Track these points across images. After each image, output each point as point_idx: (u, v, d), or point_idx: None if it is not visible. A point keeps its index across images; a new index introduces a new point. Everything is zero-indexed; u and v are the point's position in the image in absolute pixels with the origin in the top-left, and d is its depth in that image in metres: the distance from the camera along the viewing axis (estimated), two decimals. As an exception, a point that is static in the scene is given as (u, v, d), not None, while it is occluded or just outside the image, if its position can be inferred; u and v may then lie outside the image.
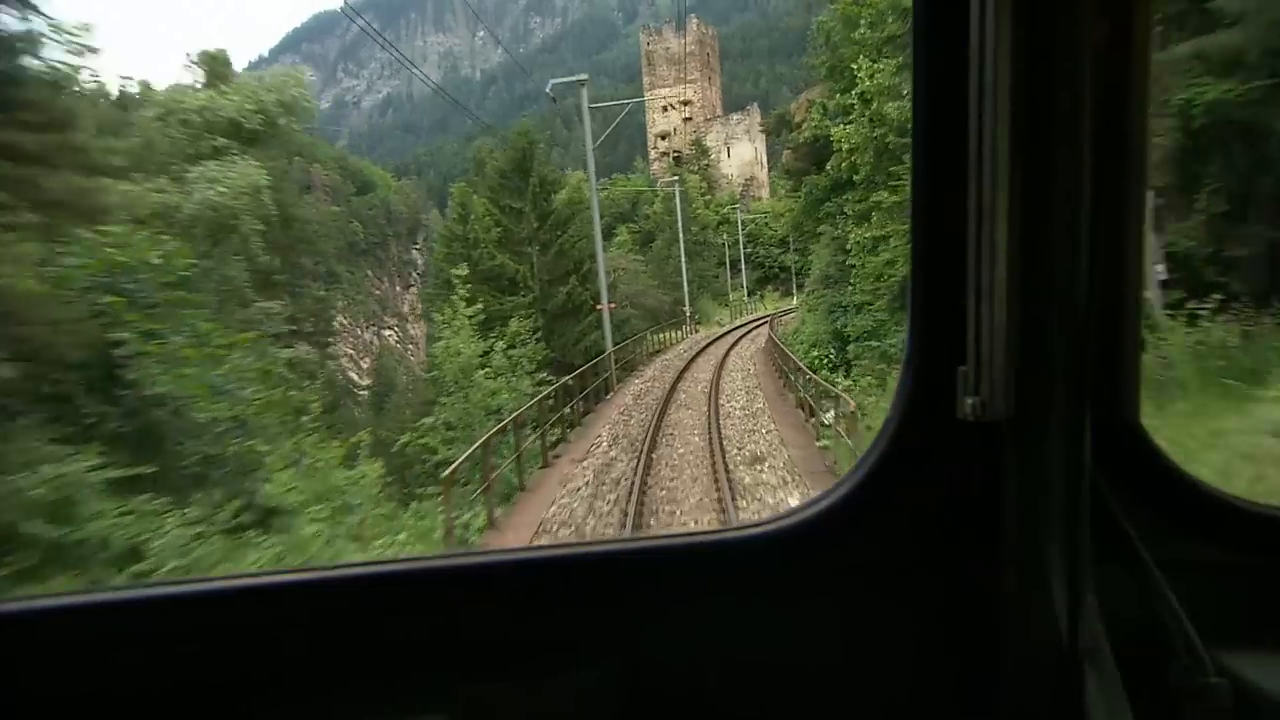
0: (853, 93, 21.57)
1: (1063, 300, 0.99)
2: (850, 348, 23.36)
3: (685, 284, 43.87)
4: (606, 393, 22.16)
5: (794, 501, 9.45)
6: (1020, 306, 0.96)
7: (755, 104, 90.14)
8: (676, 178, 48.95)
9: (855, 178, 22.23)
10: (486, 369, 19.21)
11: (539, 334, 30.52)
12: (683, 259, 43.70)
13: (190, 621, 1.09)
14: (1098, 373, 1.02)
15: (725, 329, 45.49)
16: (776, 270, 77.58)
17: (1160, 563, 1.03)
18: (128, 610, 1.11)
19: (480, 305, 22.26)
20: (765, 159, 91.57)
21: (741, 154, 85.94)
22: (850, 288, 24.11)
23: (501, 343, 20.96)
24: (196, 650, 1.07)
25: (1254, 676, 1.01)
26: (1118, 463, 1.07)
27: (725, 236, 71.81)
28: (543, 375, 27.64)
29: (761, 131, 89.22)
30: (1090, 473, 1.02)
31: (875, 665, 1.17)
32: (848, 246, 23.74)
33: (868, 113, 20.10)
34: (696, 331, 44.05)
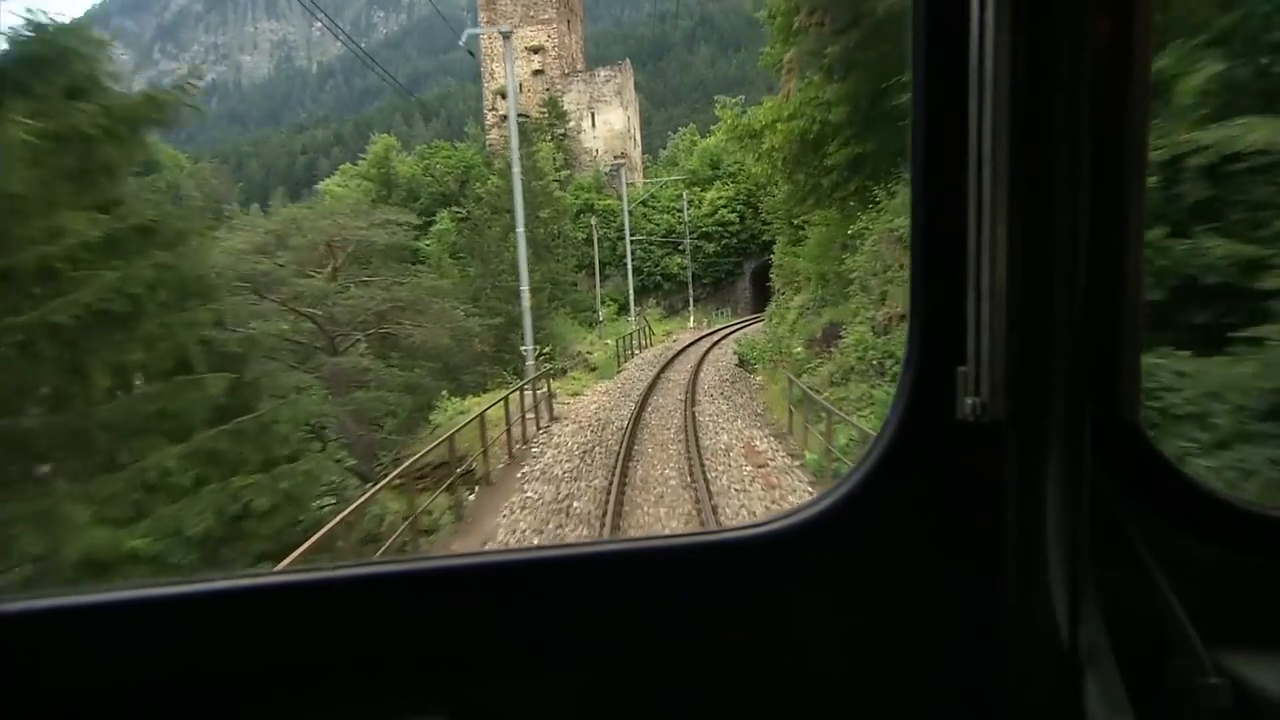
0: None
1: (1063, 300, 0.98)
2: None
3: (526, 297, 18.31)
4: None
5: None
6: (1020, 306, 0.96)
7: (627, 60, 67.15)
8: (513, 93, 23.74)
9: None
10: None
11: None
12: (521, 248, 18.33)
13: (188, 622, 1.05)
14: (1098, 373, 1.01)
15: (627, 394, 20.09)
16: (659, 279, 54.47)
17: (1160, 563, 1.02)
18: (127, 610, 1.06)
19: None
20: (639, 134, 68.64)
21: (611, 122, 62.83)
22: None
23: None
24: (194, 650, 1.04)
25: (1254, 676, 0.99)
26: (1118, 463, 1.05)
27: (593, 227, 47.92)
28: None
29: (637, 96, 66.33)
30: (1090, 473, 1.01)
31: (875, 665, 1.15)
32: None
33: None
34: (550, 416, 16.93)
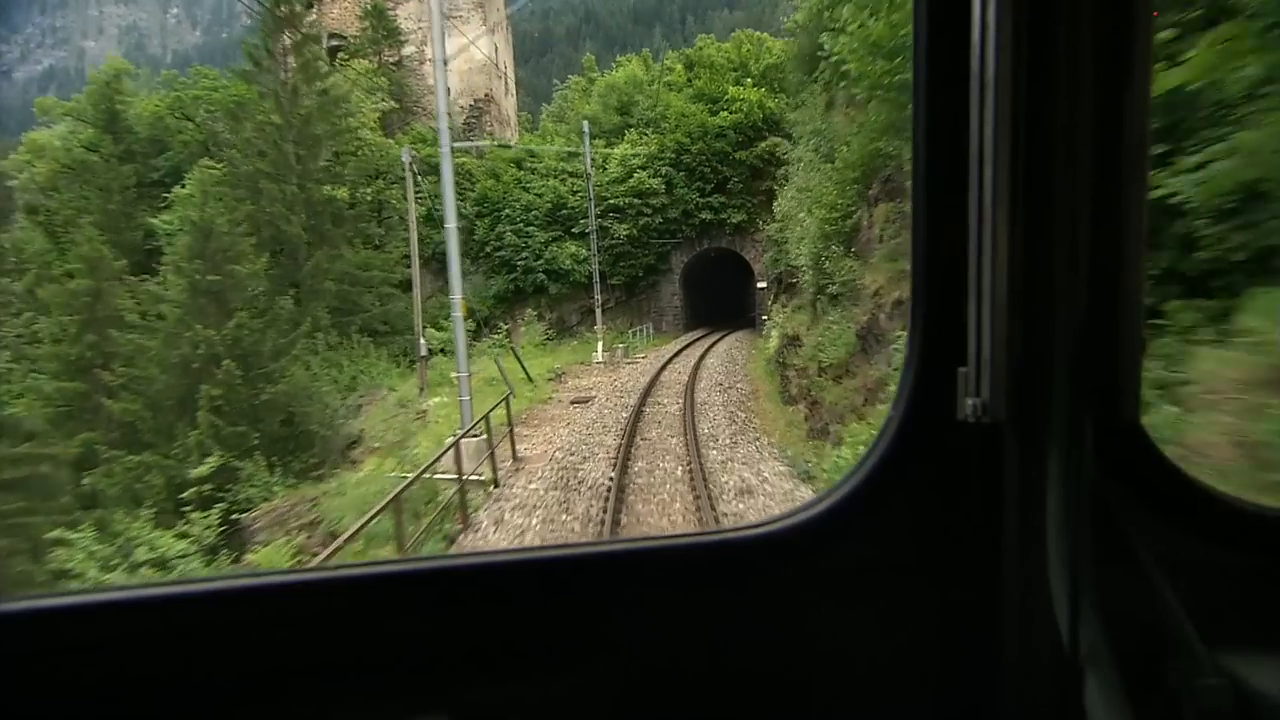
0: None
1: (1063, 301, 0.97)
2: None
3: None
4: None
5: None
6: (1020, 307, 0.96)
7: (496, -37, 46.18)
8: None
9: None
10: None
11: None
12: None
13: (188, 622, 1.03)
14: (1098, 373, 1.00)
15: None
16: (541, 278, 33.85)
17: (1160, 563, 1.00)
18: (127, 611, 1.05)
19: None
20: (512, 70, 47.50)
21: (469, 52, 41.44)
22: None
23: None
24: (194, 650, 1.02)
25: (1254, 676, 0.97)
26: (1118, 463, 1.03)
27: (409, 169, 26.58)
28: None
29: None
30: (1090, 473, 1.00)
31: (875, 665, 1.12)
32: None
33: None
34: None
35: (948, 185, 0.99)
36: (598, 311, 25.57)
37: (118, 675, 1.00)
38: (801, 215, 15.43)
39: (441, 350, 27.30)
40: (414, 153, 19.84)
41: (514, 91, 48.48)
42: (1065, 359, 0.98)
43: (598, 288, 25.81)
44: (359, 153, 30.65)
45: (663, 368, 21.48)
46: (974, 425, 0.99)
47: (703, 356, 24.02)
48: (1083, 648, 0.98)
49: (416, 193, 35.67)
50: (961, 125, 0.96)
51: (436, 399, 18.53)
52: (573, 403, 17.62)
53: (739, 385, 18.19)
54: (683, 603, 1.10)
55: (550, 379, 21.73)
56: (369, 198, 30.28)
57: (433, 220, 36.13)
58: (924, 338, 1.06)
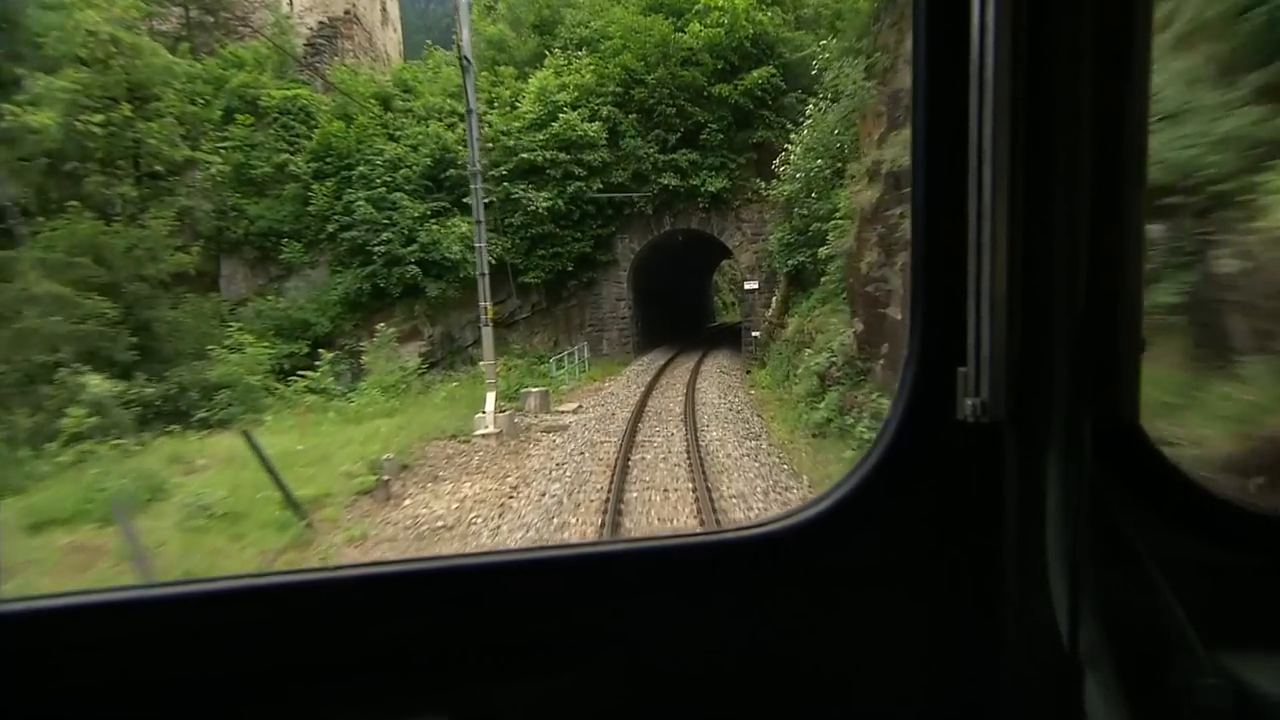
0: None
1: (1063, 301, 0.97)
2: None
3: None
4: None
5: None
6: (1020, 307, 0.96)
7: None
8: None
9: None
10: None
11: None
12: None
13: (192, 621, 1.03)
14: (1098, 373, 1.00)
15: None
16: (414, 273, 21.07)
17: (1160, 563, 0.99)
18: (130, 610, 1.04)
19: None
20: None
21: (321, -51, 28.56)
22: None
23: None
24: (197, 650, 1.02)
25: (1254, 676, 0.96)
26: (1118, 463, 1.02)
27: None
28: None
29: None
30: (1090, 473, 1.00)
31: (875, 665, 1.12)
32: None
33: None
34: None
35: (947, 185, 0.98)
36: (485, 331, 13.27)
37: (118, 675, 0.99)
38: None
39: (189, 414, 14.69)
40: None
41: (398, 27, 35.63)
42: (1065, 359, 0.96)
43: (484, 287, 13.50)
44: (91, 52, 17.55)
45: (621, 459, 9.48)
46: (974, 425, 0.98)
47: (687, 416, 12.16)
48: (1082, 647, 0.97)
49: (222, 141, 22.64)
50: (961, 125, 0.95)
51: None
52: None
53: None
54: (683, 603, 1.09)
55: (364, 491, 9.43)
56: (99, 129, 17.23)
57: (251, 181, 23.28)
58: (924, 337, 1.05)
